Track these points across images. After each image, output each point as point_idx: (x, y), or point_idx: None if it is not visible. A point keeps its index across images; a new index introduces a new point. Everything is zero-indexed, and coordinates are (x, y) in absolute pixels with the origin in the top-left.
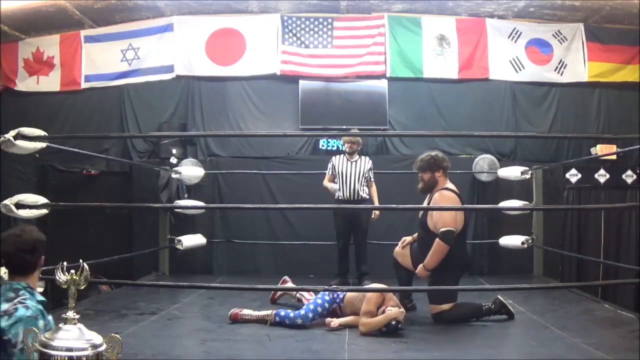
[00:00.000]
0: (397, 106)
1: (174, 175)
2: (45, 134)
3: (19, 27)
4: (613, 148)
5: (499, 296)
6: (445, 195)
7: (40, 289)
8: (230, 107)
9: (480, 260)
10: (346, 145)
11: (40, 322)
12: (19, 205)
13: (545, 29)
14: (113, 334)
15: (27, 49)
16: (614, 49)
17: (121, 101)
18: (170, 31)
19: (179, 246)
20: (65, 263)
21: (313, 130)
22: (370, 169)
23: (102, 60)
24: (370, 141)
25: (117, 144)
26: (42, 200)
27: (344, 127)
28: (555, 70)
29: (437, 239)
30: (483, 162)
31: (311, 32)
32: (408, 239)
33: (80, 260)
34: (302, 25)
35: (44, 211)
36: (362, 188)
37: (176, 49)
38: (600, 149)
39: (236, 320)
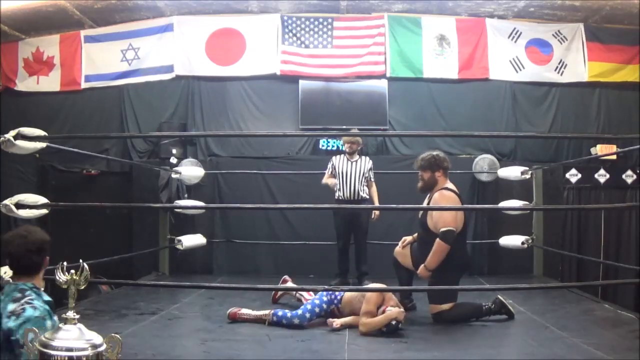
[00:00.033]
0: (397, 106)
1: (174, 175)
2: (45, 134)
3: (19, 27)
4: (613, 148)
5: (499, 296)
6: (445, 195)
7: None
8: (230, 107)
9: (480, 260)
10: (346, 145)
11: (48, 323)
12: (19, 205)
13: (545, 29)
14: (113, 334)
15: (27, 49)
16: (614, 49)
17: (121, 101)
18: (170, 31)
19: (179, 246)
20: (65, 263)
21: (313, 130)
22: (370, 169)
23: (102, 60)
24: (370, 141)
25: (117, 144)
26: (42, 200)
27: (344, 127)
28: (555, 70)
29: (438, 239)
30: (483, 162)
31: (311, 32)
32: (408, 238)
33: (80, 260)
34: (302, 25)
35: (44, 211)
36: (362, 188)
37: (176, 49)
38: (600, 149)
39: (234, 319)
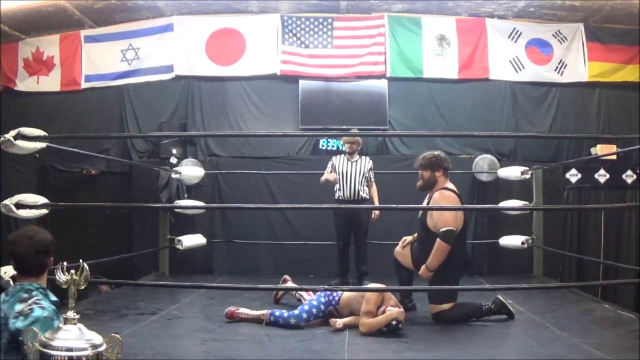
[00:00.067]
0: (397, 106)
1: (174, 175)
2: (45, 134)
3: (19, 27)
4: (613, 148)
5: (499, 296)
6: (445, 194)
7: None
8: (230, 107)
9: (480, 260)
10: (346, 145)
11: (56, 323)
12: (19, 205)
13: (545, 29)
14: (113, 334)
15: (27, 49)
16: (614, 49)
17: (121, 101)
18: (170, 31)
19: (179, 246)
20: (65, 263)
21: (313, 130)
22: (370, 169)
23: (102, 60)
24: (370, 141)
25: (117, 144)
26: (42, 200)
27: (344, 127)
28: (555, 70)
29: (438, 239)
30: (483, 162)
31: (311, 32)
32: (408, 238)
33: (80, 260)
34: (302, 25)
35: (44, 211)
36: (362, 188)
37: (176, 49)
38: (600, 149)
39: (232, 318)
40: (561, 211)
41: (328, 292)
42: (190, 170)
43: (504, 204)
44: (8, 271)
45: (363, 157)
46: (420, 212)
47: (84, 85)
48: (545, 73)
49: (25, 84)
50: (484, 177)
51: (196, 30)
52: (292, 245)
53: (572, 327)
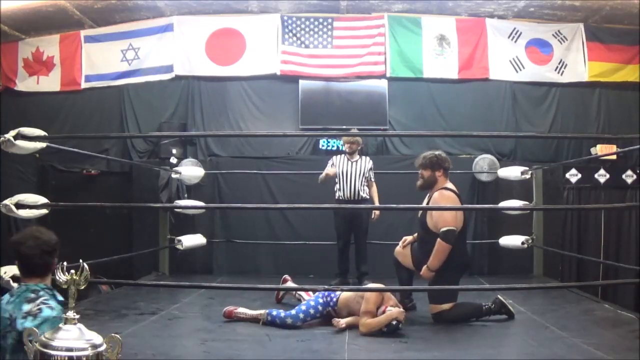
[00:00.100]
0: (397, 106)
1: (174, 175)
2: (45, 134)
3: (19, 27)
4: (613, 148)
5: (499, 296)
6: (445, 194)
7: None
8: (230, 107)
9: (480, 260)
10: (346, 145)
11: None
12: (19, 205)
13: (545, 29)
14: (113, 334)
15: (27, 49)
16: (614, 49)
17: (121, 101)
18: (170, 31)
19: (179, 246)
20: (65, 263)
21: (313, 130)
22: (370, 169)
23: (102, 60)
24: (370, 141)
25: (117, 144)
26: (42, 200)
27: (344, 127)
28: (555, 70)
29: (439, 239)
30: (483, 162)
31: (311, 32)
32: (409, 238)
33: (80, 260)
34: (302, 25)
35: (44, 211)
36: (362, 188)
37: (176, 49)
38: (600, 149)
39: (230, 317)
40: (561, 211)
41: (326, 293)
42: (190, 170)
43: (504, 204)
44: (8, 271)
45: (363, 157)
46: (420, 212)
47: (84, 85)
48: (545, 73)
49: (25, 84)
50: (484, 177)
51: (196, 30)
52: (292, 245)
53: (572, 327)
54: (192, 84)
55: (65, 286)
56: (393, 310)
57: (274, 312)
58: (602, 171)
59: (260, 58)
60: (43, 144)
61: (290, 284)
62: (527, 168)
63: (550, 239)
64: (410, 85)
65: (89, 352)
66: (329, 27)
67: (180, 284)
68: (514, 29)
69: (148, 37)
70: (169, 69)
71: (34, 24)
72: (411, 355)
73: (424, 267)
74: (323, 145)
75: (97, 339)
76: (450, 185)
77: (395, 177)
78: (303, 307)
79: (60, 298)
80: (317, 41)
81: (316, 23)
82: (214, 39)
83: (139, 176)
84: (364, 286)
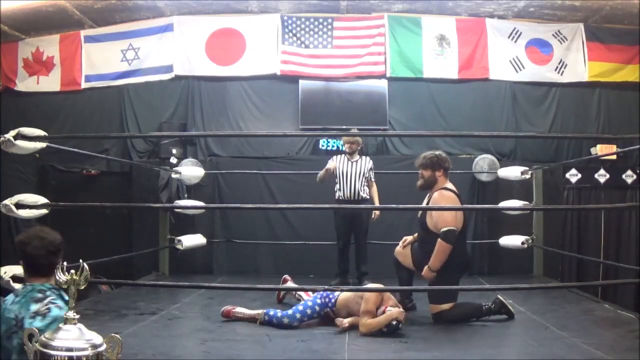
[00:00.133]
0: (397, 106)
1: (174, 175)
2: (45, 134)
3: (19, 27)
4: (613, 148)
5: (499, 296)
6: (445, 194)
7: None
8: (230, 107)
9: (480, 260)
10: (346, 145)
11: None
12: (19, 205)
13: (545, 29)
14: (113, 334)
15: (27, 49)
16: (614, 49)
17: (121, 101)
18: (170, 31)
19: (179, 246)
20: (65, 263)
21: (313, 130)
22: (370, 169)
23: (102, 60)
24: (370, 141)
25: (117, 144)
26: (42, 200)
27: (344, 127)
28: (555, 70)
29: (439, 239)
30: (483, 162)
31: (311, 32)
32: (409, 238)
33: (80, 260)
34: (302, 25)
35: (44, 211)
36: (362, 188)
37: (176, 49)
38: (600, 149)
39: (228, 317)
40: (561, 211)
41: (324, 294)
42: (190, 170)
43: (504, 204)
44: (8, 271)
45: (363, 157)
46: (420, 212)
47: (84, 85)
48: (545, 73)
49: (25, 84)
50: (484, 177)
51: (196, 30)
52: (292, 245)
53: (572, 327)
54: (192, 84)
55: (65, 286)
56: (393, 311)
57: (271, 312)
58: (602, 171)
59: (260, 58)
60: (43, 144)
61: (290, 284)
62: (527, 168)
63: (550, 239)
64: (410, 85)
65: (89, 352)
66: (329, 27)
67: (180, 284)
68: (514, 29)
69: (148, 37)
70: (169, 69)
71: (34, 24)
72: (411, 355)
73: (425, 268)
74: (323, 145)
75: (97, 339)
76: (450, 185)
77: (395, 177)
78: (300, 308)
79: (67, 298)
80: (317, 41)
81: (316, 23)
82: (214, 39)
83: (139, 176)
84: (363, 286)
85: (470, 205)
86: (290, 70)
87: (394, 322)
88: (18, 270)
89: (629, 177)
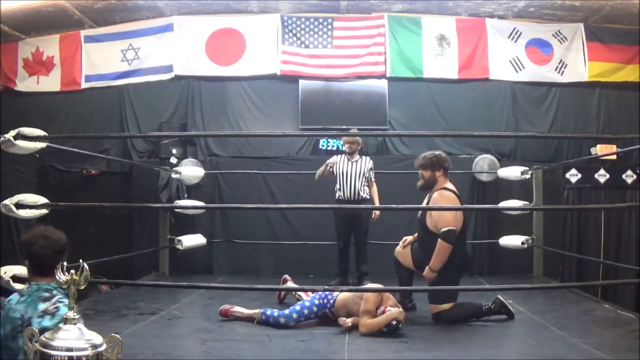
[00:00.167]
0: (397, 106)
1: (174, 175)
2: (45, 134)
3: (19, 27)
4: (613, 148)
5: (499, 296)
6: (445, 194)
7: None
8: (230, 107)
9: (480, 260)
10: (346, 145)
11: (80, 321)
12: (19, 205)
13: (545, 29)
14: (113, 334)
15: (27, 49)
16: (614, 49)
17: (121, 101)
18: (170, 31)
19: (179, 246)
20: (65, 263)
21: (313, 130)
22: (370, 169)
23: (102, 60)
24: (370, 141)
25: (117, 144)
26: (42, 200)
27: (344, 127)
28: (555, 70)
29: (440, 239)
30: (483, 162)
31: (311, 32)
32: (409, 238)
33: (80, 260)
34: (302, 26)
35: (44, 211)
36: (362, 188)
37: (176, 49)
38: (600, 149)
39: (226, 316)
40: (561, 211)
41: (323, 295)
42: (190, 170)
43: (504, 204)
44: (8, 271)
45: (363, 157)
46: (420, 212)
47: (84, 85)
48: (546, 73)
49: (25, 84)
50: (484, 177)
51: (196, 30)
52: (292, 245)
53: (572, 327)
54: (192, 84)
55: (65, 286)
56: (393, 310)
57: (268, 312)
58: (602, 171)
59: (260, 58)
60: (43, 144)
61: (290, 284)
62: (527, 168)
63: (550, 239)
64: (410, 85)
65: (89, 352)
66: (329, 27)
67: (180, 284)
68: (514, 29)
69: (148, 37)
70: (169, 69)
71: (34, 24)
72: (411, 355)
73: (427, 268)
74: (323, 145)
75: (97, 339)
76: (450, 185)
77: (395, 177)
78: (297, 308)
79: None
80: (317, 41)
81: (316, 23)
82: (214, 39)
83: (139, 176)
84: (362, 286)
85: (470, 205)
86: (290, 70)
87: (394, 322)
88: (18, 270)
89: (629, 177)
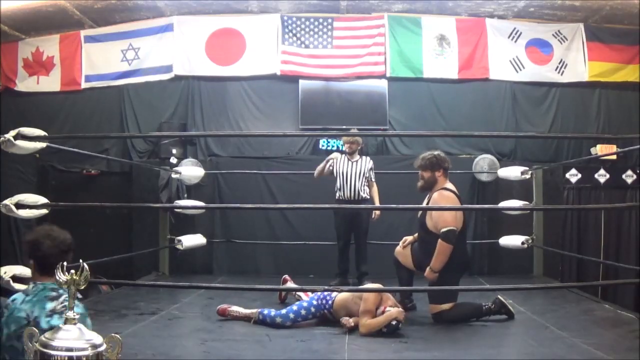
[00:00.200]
0: (397, 106)
1: (174, 175)
2: (45, 134)
3: (19, 27)
4: (613, 148)
5: (499, 296)
6: (445, 195)
7: None
8: (230, 107)
9: (480, 260)
10: (346, 145)
11: (88, 320)
12: (19, 205)
13: (545, 29)
14: (113, 334)
15: (27, 49)
16: (614, 49)
17: (121, 101)
18: (170, 31)
19: (179, 246)
20: (65, 263)
21: (313, 130)
22: (371, 169)
23: (102, 60)
24: (370, 141)
25: (117, 144)
26: (42, 200)
27: (344, 127)
28: (555, 70)
29: (440, 240)
30: (483, 162)
31: (311, 32)
32: (409, 238)
33: (80, 260)
34: (302, 26)
35: (44, 211)
36: (362, 188)
37: (176, 49)
38: (600, 149)
39: (223, 315)
40: (561, 211)
41: (321, 296)
42: (190, 170)
43: (504, 204)
44: (8, 271)
45: (363, 157)
46: (420, 212)
47: (84, 85)
48: (546, 73)
49: (25, 84)
50: (484, 177)
51: (196, 30)
52: (292, 245)
53: (572, 327)
54: (192, 84)
55: (65, 286)
56: (393, 310)
57: (265, 311)
58: (602, 171)
59: (260, 58)
60: (43, 144)
61: (290, 284)
62: (527, 168)
63: (550, 239)
64: (410, 85)
65: (89, 352)
66: (329, 27)
67: (180, 284)
68: (514, 29)
69: (148, 37)
70: (169, 69)
71: (34, 24)
72: (411, 355)
73: (427, 269)
74: (323, 145)
75: (97, 339)
76: (449, 185)
77: (395, 177)
78: (294, 308)
79: (80, 296)
80: (317, 41)
81: (316, 23)
82: (214, 39)
83: (139, 176)
84: (361, 286)
85: (470, 205)
86: (290, 70)
87: (394, 322)
88: (18, 270)
89: (629, 177)
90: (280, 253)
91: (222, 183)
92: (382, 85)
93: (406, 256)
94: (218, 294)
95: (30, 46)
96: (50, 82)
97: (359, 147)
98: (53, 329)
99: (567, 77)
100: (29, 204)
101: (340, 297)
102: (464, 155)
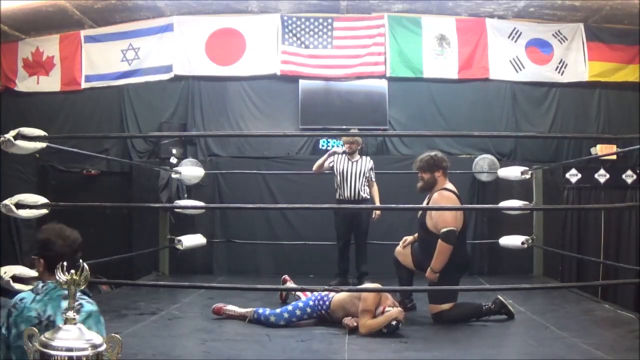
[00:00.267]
0: (397, 106)
1: (174, 175)
2: (45, 134)
3: (19, 27)
4: (613, 148)
5: (499, 296)
6: (445, 195)
7: None
8: (230, 107)
9: (480, 260)
10: (346, 145)
11: (101, 318)
12: (19, 205)
13: (545, 29)
14: (113, 334)
15: (27, 49)
16: (615, 49)
17: (121, 101)
18: (170, 31)
19: (179, 246)
20: (65, 263)
21: (313, 130)
22: (371, 169)
23: (102, 60)
24: (370, 141)
25: (117, 144)
26: (42, 200)
27: (344, 127)
28: (555, 70)
29: (440, 240)
30: (483, 162)
31: (311, 32)
32: (409, 238)
33: (80, 260)
34: (302, 26)
35: (44, 211)
36: (362, 188)
37: (176, 49)
38: (600, 149)
39: (219, 314)
40: (561, 211)
41: (319, 297)
42: (190, 170)
43: (504, 204)
44: (8, 271)
45: (363, 157)
46: (420, 212)
47: (84, 85)
48: (546, 73)
49: (25, 84)
50: (484, 177)
51: (196, 30)
52: (292, 245)
53: (572, 327)
54: (192, 84)
55: (65, 286)
56: (392, 310)
57: (260, 310)
58: (602, 171)
59: (260, 58)
60: (43, 144)
61: (290, 284)
62: (527, 168)
63: (550, 239)
64: (410, 85)
65: (89, 352)
66: (329, 27)
67: (180, 284)
68: (514, 29)
69: (148, 37)
70: (169, 69)
71: (34, 24)
72: (411, 355)
73: (428, 270)
74: (323, 145)
75: (97, 339)
76: (449, 185)
77: (395, 177)
78: (290, 308)
79: (90, 294)
80: (317, 41)
81: (316, 23)
82: (213, 39)
83: (139, 176)
84: (360, 286)
85: (470, 205)
86: (290, 70)
87: (394, 322)
88: (18, 270)
89: (629, 177)
90: (280, 253)
91: (222, 183)
92: (382, 85)
93: (406, 256)
94: (218, 294)
95: (30, 46)
96: (50, 82)
97: (359, 147)
98: None
99: (567, 77)
100: (29, 204)
101: (338, 297)
102: (464, 155)
